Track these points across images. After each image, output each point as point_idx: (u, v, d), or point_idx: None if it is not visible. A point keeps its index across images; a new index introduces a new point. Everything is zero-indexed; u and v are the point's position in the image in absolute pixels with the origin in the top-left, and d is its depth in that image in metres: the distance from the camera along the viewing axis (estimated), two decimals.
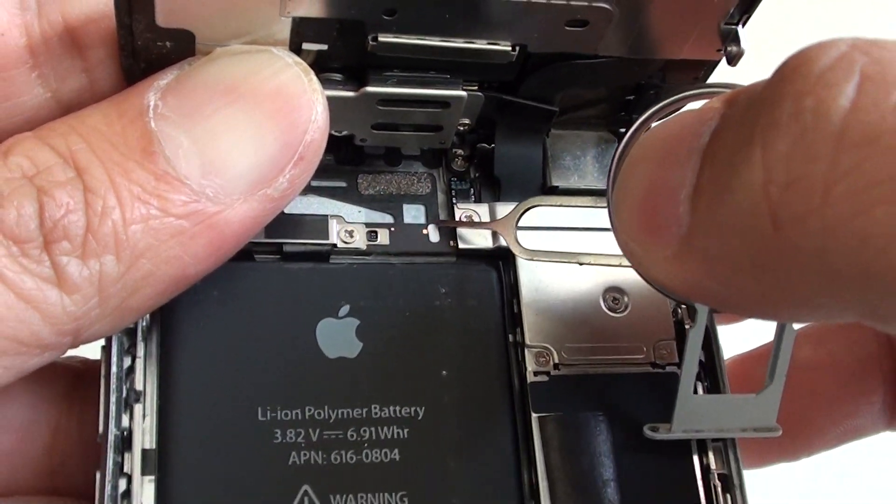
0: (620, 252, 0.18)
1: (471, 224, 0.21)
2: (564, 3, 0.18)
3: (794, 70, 0.15)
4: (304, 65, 0.19)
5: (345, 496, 0.18)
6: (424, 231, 0.21)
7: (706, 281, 0.17)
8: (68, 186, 0.17)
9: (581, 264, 0.20)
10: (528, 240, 0.20)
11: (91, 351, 0.20)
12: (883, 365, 0.26)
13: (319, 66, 0.19)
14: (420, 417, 0.19)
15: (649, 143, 0.18)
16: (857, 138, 0.15)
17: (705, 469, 0.20)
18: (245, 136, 0.18)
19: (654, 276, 0.18)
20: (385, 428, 0.18)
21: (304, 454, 0.18)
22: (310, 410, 0.18)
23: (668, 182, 0.17)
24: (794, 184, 0.15)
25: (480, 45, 0.19)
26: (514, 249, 0.20)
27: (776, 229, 0.15)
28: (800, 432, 0.26)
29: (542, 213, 0.21)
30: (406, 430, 0.18)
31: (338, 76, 0.20)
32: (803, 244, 0.15)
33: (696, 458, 0.21)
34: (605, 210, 0.19)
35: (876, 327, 0.17)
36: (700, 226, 0.17)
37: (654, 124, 0.19)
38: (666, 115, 0.19)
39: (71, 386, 0.20)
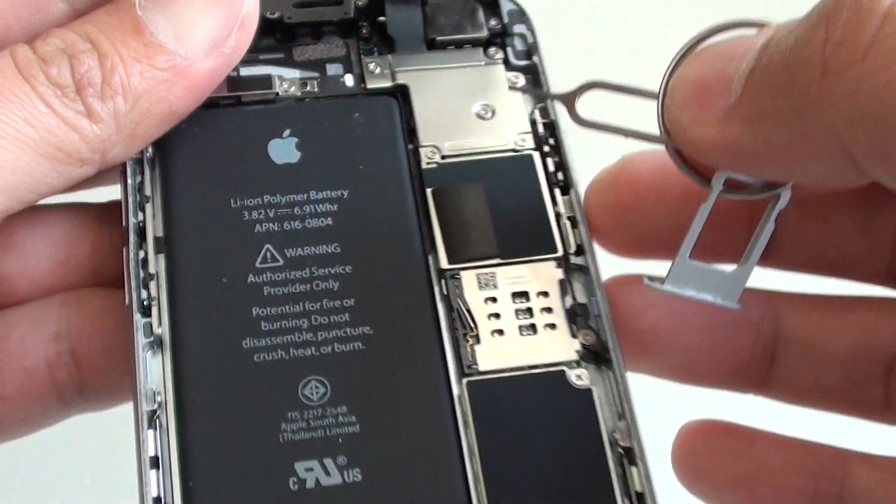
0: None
1: (536, 90, 0.28)
2: None
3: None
4: None
5: (295, 249, 0.25)
6: (341, 80, 0.28)
7: (743, 136, 0.22)
8: (87, 53, 0.24)
9: (626, 136, 0.25)
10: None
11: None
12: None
13: None
14: (345, 197, 0.26)
15: (708, 49, 0.23)
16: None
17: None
18: (201, 13, 0.24)
19: (695, 139, 0.23)
20: (321, 205, 0.26)
21: (265, 225, 0.26)
22: (266, 197, 0.26)
23: (723, 70, 0.22)
24: (846, 41, 0.19)
25: None
26: (573, 118, 0.25)
27: (823, 76, 0.20)
28: None
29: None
30: (336, 205, 0.26)
31: None
32: (841, 89, 0.20)
33: None
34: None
35: (876, 173, 0.21)
36: (751, 91, 0.22)
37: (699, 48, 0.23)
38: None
39: (103, 210, 0.28)
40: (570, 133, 0.28)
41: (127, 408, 0.25)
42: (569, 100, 0.25)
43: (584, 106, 0.25)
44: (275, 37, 0.28)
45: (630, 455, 0.24)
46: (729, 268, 0.25)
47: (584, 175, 0.27)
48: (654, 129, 0.24)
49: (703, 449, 0.28)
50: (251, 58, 0.27)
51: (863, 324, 0.28)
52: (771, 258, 0.27)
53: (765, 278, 0.27)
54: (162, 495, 0.22)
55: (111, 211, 0.27)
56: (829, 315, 0.28)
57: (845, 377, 0.28)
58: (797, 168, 0.22)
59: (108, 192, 0.28)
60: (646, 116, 0.24)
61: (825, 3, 0.20)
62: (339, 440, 0.23)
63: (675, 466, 0.29)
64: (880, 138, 0.19)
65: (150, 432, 0.23)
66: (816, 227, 0.27)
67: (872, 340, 0.27)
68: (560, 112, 0.28)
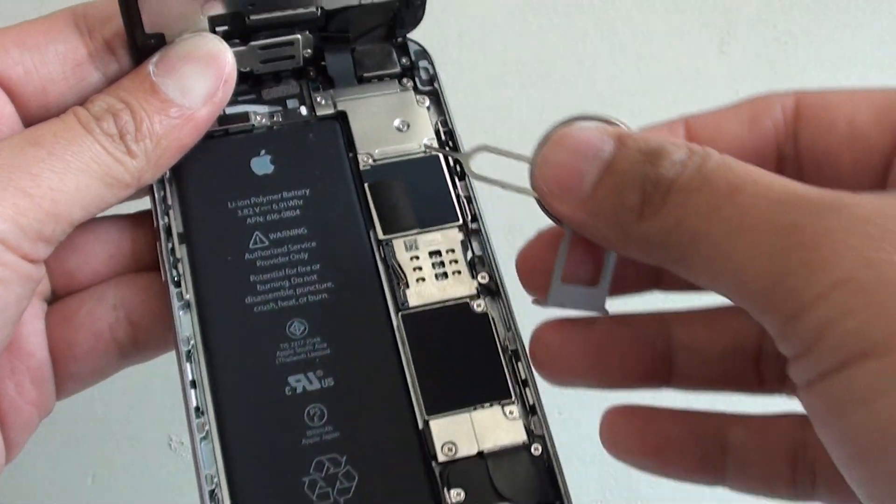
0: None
1: (443, 150, 0.35)
2: None
3: (655, 152, 0.27)
4: (219, 38, 0.33)
5: (275, 233, 0.34)
6: (298, 111, 0.36)
7: (584, 223, 0.29)
8: (124, 111, 0.31)
9: (505, 189, 0.31)
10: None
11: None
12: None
13: (226, 36, 0.33)
14: (308, 194, 0.35)
15: (565, 139, 0.29)
16: (676, 191, 0.26)
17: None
18: (198, 76, 0.32)
19: (554, 209, 0.29)
20: (291, 201, 0.34)
21: (253, 219, 0.34)
22: (252, 199, 0.34)
23: (577, 167, 0.28)
24: (649, 204, 0.26)
25: (302, 10, 0.34)
26: (468, 172, 0.33)
27: (638, 219, 0.27)
28: None
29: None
30: (301, 201, 0.34)
31: (237, 41, 0.35)
32: (647, 231, 0.27)
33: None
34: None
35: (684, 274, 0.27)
36: (596, 200, 0.28)
37: (565, 129, 0.29)
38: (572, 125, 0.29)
39: (136, 217, 0.35)
40: (462, 138, 0.37)
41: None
42: (465, 158, 0.33)
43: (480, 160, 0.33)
44: (248, 84, 0.36)
45: (516, 355, 0.34)
46: (586, 287, 0.32)
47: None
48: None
49: (620, 429, 0.33)
50: (232, 100, 0.34)
51: (730, 329, 0.32)
52: (660, 284, 0.33)
53: (660, 300, 0.34)
54: (199, 405, 0.32)
55: (141, 217, 0.36)
56: (705, 325, 0.33)
57: (725, 369, 0.32)
58: (621, 252, 0.29)
59: (136, 205, 0.36)
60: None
61: (637, 151, 0.28)
62: (317, 360, 0.33)
63: (603, 444, 0.33)
64: (671, 259, 0.27)
65: (188, 364, 0.32)
66: None
67: (739, 341, 0.32)
68: (456, 123, 0.37)
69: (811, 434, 0.30)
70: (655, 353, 0.33)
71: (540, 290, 0.32)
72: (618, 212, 0.27)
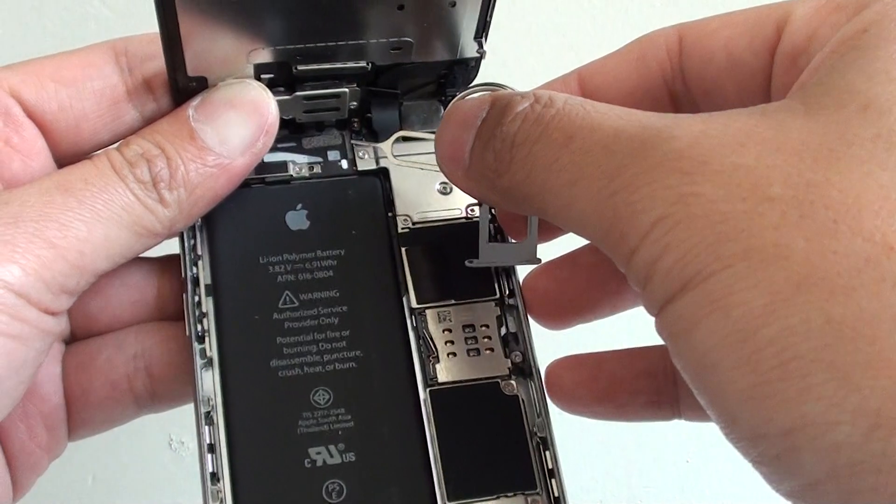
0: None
1: (361, 143, 0.35)
2: (385, 40, 0.33)
3: (503, 109, 0.29)
4: (263, 85, 0.32)
5: (306, 294, 0.33)
6: (339, 164, 0.35)
7: (473, 190, 0.31)
8: (159, 157, 0.30)
9: (422, 169, 0.34)
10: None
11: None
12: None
13: (271, 84, 0.32)
14: (342, 254, 0.34)
15: (453, 113, 0.31)
16: (518, 145, 0.28)
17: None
18: (238, 124, 0.31)
19: (454, 183, 0.31)
20: (324, 261, 0.33)
21: (284, 277, 0.33)
22: (285, 255, 0.33)
23: (460, 138, 0.30)
24: (500, 161, 0.28)
25: (352, 64, 0.34)
26: (390, 158, 0.34)
27: (497, 177, 0.29)
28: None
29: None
30: (335, 261, 0.33)
31: (281, 89, 0.33)
32: (503, 183, 0.29)
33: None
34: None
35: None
36: (471, 167, 0.30)
37: (455, 102, 0.31)
38: (466, 97, 0.31)
39: (163, 263, 0.34)
40: None
41: None
42: (386, 145, 0.34)
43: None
44: (288, 130, 0.36)
45: (545, 442, 0.33)
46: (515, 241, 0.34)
47: None
48: None
49: (567, 380, 0.34)
50: (272, 147, 0.33)
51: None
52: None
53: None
54: (216, 471, 0.31)
55: (169, 263, 0.35)
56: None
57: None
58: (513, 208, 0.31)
59: (164, 247, 0.35)
60: None
61: (498, 107, 0.29)
62: (339, 432, 0.32)
63: (551, 398, 0.33)
64: (531, 209, 0.29)
65: (207, 427, 0.31)
66: None
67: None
68: None
69: None
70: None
71: (544, 317, 0.35)
72: (484, 173, 0.29)
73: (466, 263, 0.33)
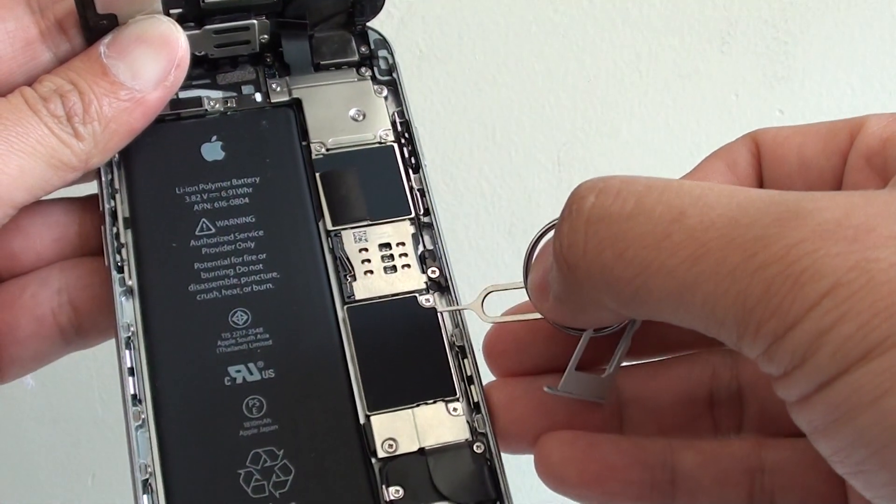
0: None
1: (452, 308, 0.34)
2: None
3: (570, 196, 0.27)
4: (173, 20, 0.32)
5: (222, 221, 0.33)
6: (253, 97, 0.36)
7: (565, 317, 0.30)
8: (72, 92, 0.31)
9: (520, 321, 0.32)
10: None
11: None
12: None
13: (180, 19, 0.33)
14: (257, 182, 0.34)
15: (540, 256, 0.30)
16: (596, 221, 0.26)
17: None
18: (149, 58, 0.32)
19: (546, 316, 0.30)
20: (240, 189, 0.34)
21: (200, 205, 0.34)
22: (201, 185, 0.34)
23: (545, 277, 0.29)
24: (572, 245, 0.26)
25: None
26: (481, 317, 0.32)
27: (571, 270, 0.26)
28: None
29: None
30: (251, 188, 0.34)
31: (192, 24, 0.34)
32: (580, 278, 0.26)
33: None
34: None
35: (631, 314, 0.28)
36: (555, 296, 0.28)
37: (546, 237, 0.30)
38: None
39: (84, 201, 0.35)
40: (421, 126, 0.37)
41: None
42: (475, 305, 0.33)
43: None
44: (203, 67, 0.37)
45: (462, 351, 0.33)
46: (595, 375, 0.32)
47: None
48: None
49: (556, 456, 0.32)
50: (186, 84, 0.34)
51: (679, 377, 0.33)
52: (629, 356, 0.33)
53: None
54: (136, 393, 0.32)
55: (90, 201, 0.36)
56: (655, 377, 0.33)
57: (677, 418, 0.32)
58: (595, 324, 0.30)
59: (86, 188, 0.36)
60: None
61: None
62: (258, 350, 0.33)
63: (538, 474, 0.32)
64: (626, 297, 0.26)
65: (127, 352, 0.32)
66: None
67: (689, 386, 0.32)
68: (413, 111, 0.37)
69: (769, 458, 0.31)
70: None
71: (504, 372, 0.33)
72: (559, 268, 0.27)
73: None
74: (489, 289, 0.33)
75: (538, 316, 0.31)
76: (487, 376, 0.34)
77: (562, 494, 0.32)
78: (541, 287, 0.29)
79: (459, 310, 0.33)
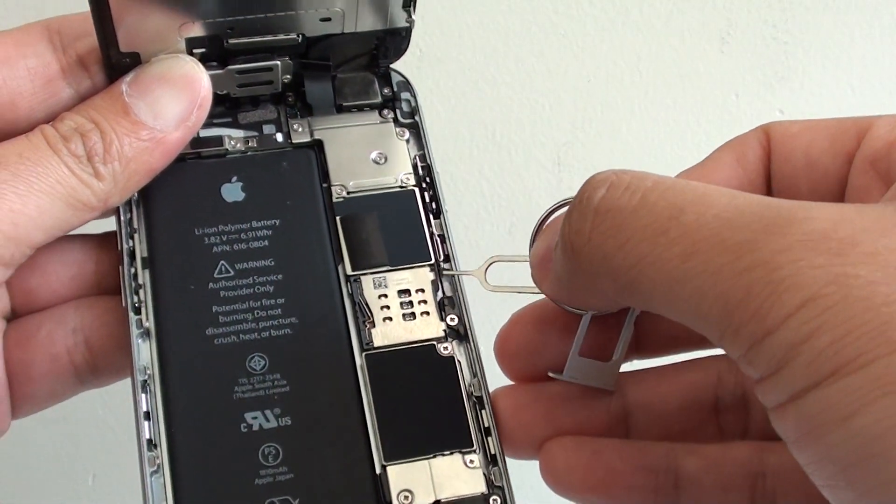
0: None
1: (459, 272, 0.34)
2: (315, 10, 0.33)
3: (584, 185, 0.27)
4: (196, 60, 0.32)
5: (241, 263, 0.33)
6: (274, 137, 0.36)
7: (561, 293, 0.30)
8: (93, 131, 0.30)
9: (520, 293, 0.32)
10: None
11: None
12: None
13: (203, 58, 0.33)
14: (277, 224, 0.34)
15: (548, 226, 0.31)
16: (603, 212, 0.26)
17: None
18: (171, 98, 0.32)
19: (545, 292, 0.31)
20: (259, 231, 0.34)
21: (220, 247, 0.33)
22: (220, 227, 0.34)
23: (549, 246, 0.30)
24: (577, 231, 0.27)
25: (283, 36, 0.34)
26: (483, 285, 0.33)
27: (576, 254, 0.27)
28: None
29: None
30: (270, 231, 0.34)
31: (214, 63, 0.34)
32: (583, 261, 0.27)
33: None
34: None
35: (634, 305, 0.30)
36: (557, 268, 0.28)
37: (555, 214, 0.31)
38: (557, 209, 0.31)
39: (102, 238, 0.35)
40: (443, 173, 0.37)
41: (127, 409, 0.31)
42: (478, 273, 0.33)
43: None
44: (224, 106, 0.36)
45: (480, 402, 0.33)
46: (601, 361, 0.32)
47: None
48: None
49: (561, 462, 0.32)
50: (207, 122, 0.33)
51: (684, 383, 0.33)
52: (639, 352, 0.33)
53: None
54: (152, 438, 0.31)
55: (108, 238, 0.35)
56: (660, 382, 0.33)
57: (683, 423, 0.33)
58: (592, 307, 0.31)
59: (104, 224, 0.35)
60: None
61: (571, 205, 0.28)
62: (275, 397, 0.32)
63: (543, 478, 0.32)
64: (622, 286, 0.26)
65: (143, 395, 0.32)
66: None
67: (695, 392, 0.33)
68: (434, 156, 0.37)
69: (771, 462, 0.31)
70: (611, 415, 0.33)
71: (515, 373, 0.33)
72: (564, 251, 0.28)
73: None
74: (494, 258, 0.33)
75: (540, 294, 0.31)
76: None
77: (567, 499, 0.32)
78: (543, 259, 0.30)
79: (463, 274, 0.34)
